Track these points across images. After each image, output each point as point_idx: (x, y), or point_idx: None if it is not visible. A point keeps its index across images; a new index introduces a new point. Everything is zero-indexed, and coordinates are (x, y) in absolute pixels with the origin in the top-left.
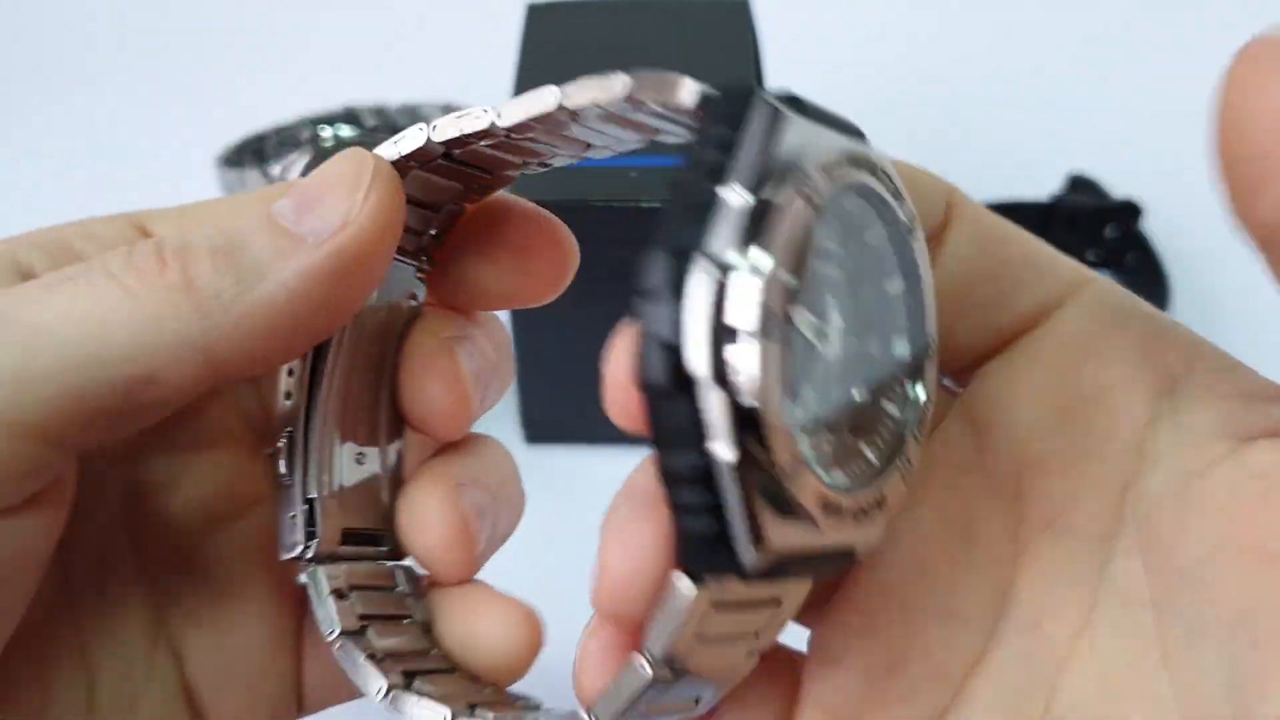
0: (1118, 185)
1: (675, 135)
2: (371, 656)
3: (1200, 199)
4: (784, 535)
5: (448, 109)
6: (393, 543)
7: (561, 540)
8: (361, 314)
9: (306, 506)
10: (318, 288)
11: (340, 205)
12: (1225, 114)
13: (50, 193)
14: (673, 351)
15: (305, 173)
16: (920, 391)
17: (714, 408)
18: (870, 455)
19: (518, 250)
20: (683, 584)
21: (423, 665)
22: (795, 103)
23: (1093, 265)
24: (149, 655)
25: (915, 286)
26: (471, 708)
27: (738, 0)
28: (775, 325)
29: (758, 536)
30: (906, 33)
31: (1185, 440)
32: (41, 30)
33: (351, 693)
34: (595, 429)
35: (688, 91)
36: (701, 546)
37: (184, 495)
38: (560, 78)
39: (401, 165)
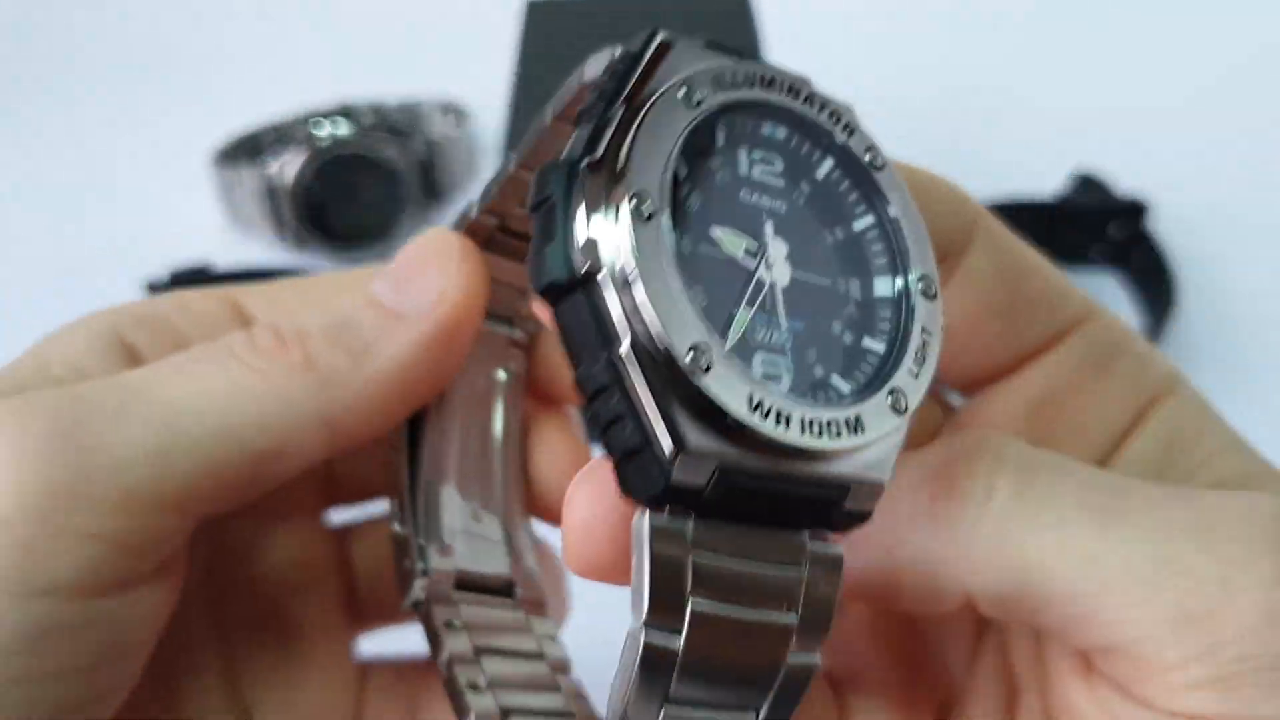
0: (1124, 184)
1: None
2: (474, 686)
3: (1207, 198)
4: (706, 438)
5: (447, 108)
6: (508, 590)
7: None
8: (455, 380)
9: (421, 556)
10: (423, 359)
11: (435, 283)
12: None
13: (48, 190)
14: (565, 252)
15: (303, 172)
16: (914, 328)
17: (606, 301)
18: (839, 384)
19: None
20: (643, 518)
21: (527, 702)
22: (715, 44)
23: (1099, 264)
24: (222, 714)
25: (888, 222)
26: None
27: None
28: (644, 229)
29: (675, 436)
30: (911, 31)
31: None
32: (39, 30)
33: None
34: None
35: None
36: (630, 461)
37: (262, 561)
38: (559, 77)
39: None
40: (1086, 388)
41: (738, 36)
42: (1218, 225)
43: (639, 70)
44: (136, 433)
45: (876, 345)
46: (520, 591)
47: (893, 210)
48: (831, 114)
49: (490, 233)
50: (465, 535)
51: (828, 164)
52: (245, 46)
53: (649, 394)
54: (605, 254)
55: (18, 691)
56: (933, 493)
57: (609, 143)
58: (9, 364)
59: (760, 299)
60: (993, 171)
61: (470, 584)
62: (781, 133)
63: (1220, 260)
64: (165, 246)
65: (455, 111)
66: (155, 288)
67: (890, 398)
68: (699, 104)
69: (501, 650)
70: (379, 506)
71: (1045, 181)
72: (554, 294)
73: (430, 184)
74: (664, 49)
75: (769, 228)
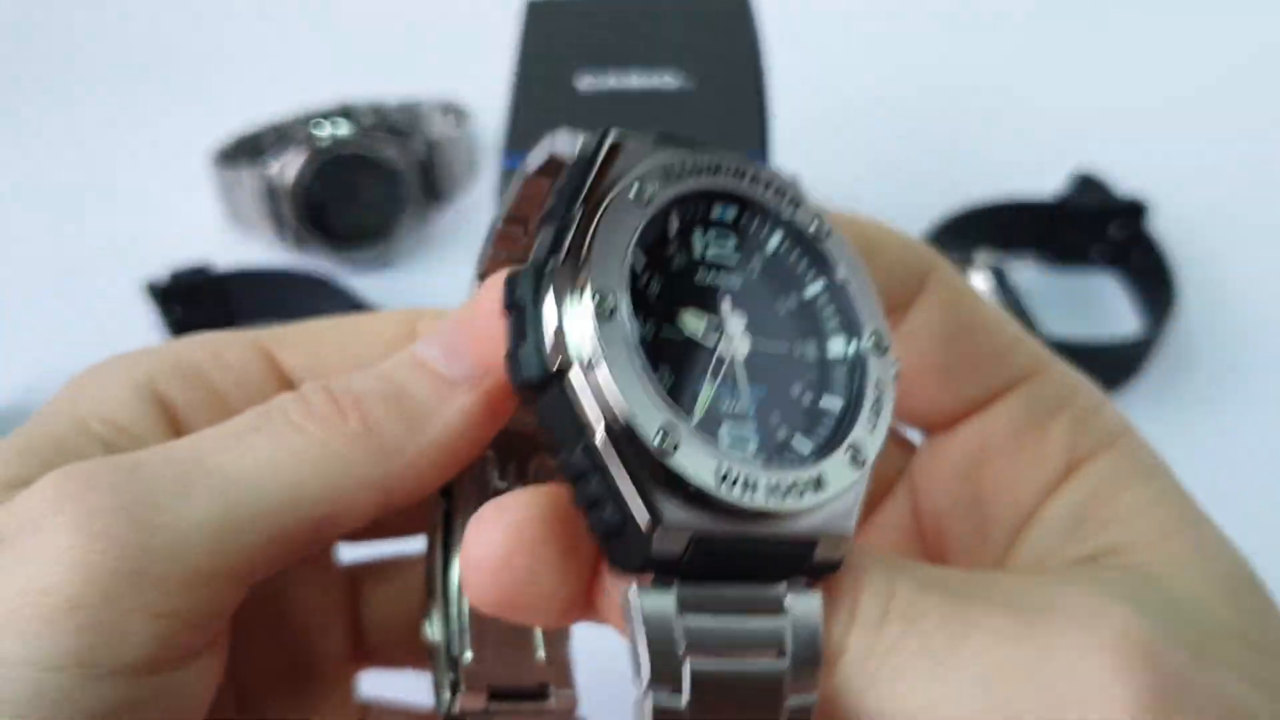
0: (1124, 184)
1: None
2: None
3: (1207, 198)
4: (681, 511)
5: (446, 108)
6: (544, 696)
7: None
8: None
9: (451, 667)
10: (474, 425)
11: (486, 349)
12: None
13: (48, 190)
14: (538, 351)
15: (303, 172)
16: (868, 384)
17: (578, 394)
18: (800, 444)
19: None
20: (630, 591)
21: None
22: (665, 137)
23: (1099, 264)
24: None
25: (837, 286)
26: None
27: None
28: (608, 323)
29: (651, 511)
30: (911, 31)
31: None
32: (39, 30)
33: None
34: None
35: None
36: (613, 539)
37: (278, 601)
38: (559, 76)
39: None
40: (1021, 445)
41: (737, 36)
42: (1218, 225)
43: (594, 171)
44: (201, 509)
45: (834, 404)
46: (553, 698)
47: (840, 274)
48: (777, 190)
49: None
50: (497, 643)
51: (777, 237)
52: (245, 46)
53: (624, 475)
54: (573, 349)
55: None
56: None
57: (570, 243)
58: (40, 416)
59: (722, 372)
60: (993, 171)
61: (503, 693)
62: (731, 213)
63: (1220, 260)
64: (165, 246)
65: (455, 111)
66: (155, 288)
67: (849, 453)
68: (650, 200)
69: None
70: (386, 546)
71: (1045, 181)
72: (531, 391)
73: (430, 184)
74: (615, 149)
75: (726, 304)
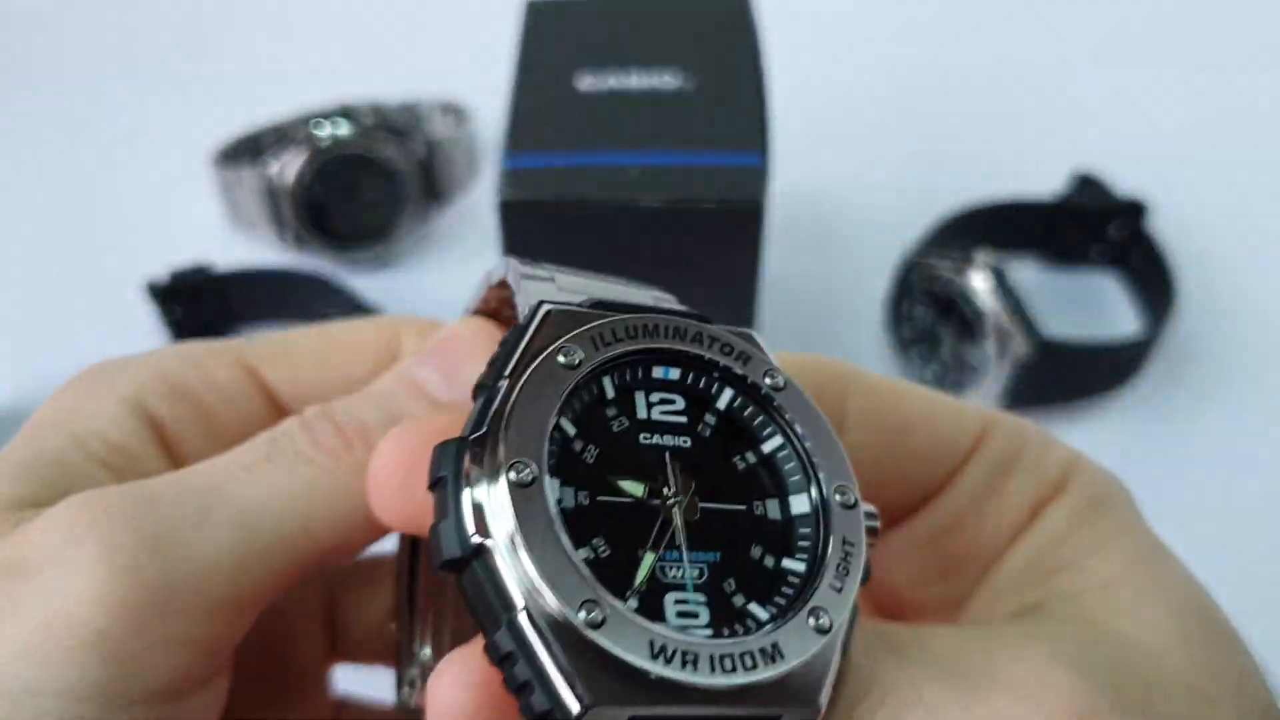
0: (1124, 184)
1: None
2: None
3: (1207, 198)
4: (613, 691)
5: (446, 107)
6: None
7: None
8: None
9: (411, 664)
10: None
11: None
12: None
13: (48, 190)
14: (457, 530)
15: (303, 172)
16: (832, 543)
17: (498, 573)
18: (757, 611)
19: None
20: None
21: None
22: (601, 304)
23: (1099, 264)
24: None
25: (796, 439)
26: None
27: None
28: (526, 498)
29: (579, 696)
30: (910, 29)
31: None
32: (38, 30)
33: None
34: None
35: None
36: None
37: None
38: (559, 76)
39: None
40: (982, 510)
41: (737, 36)
42: (1217, 225)
43: (524, 341)
44: (220, 541)
45: (797, 565)
46: None
47: (799, 427)
48: (724, 347)
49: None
50: (455, 640)
51: (728, 395)
52: (245, 46)
53: (549, 657)
54: (491, 527)
55: None
56: None
57: (491, 417)
58: (32, 430)
59: (666, 539)
60: (993, 171)
61: None
62: (675, 373)
63: (1220, 260)
64: (165, 246)
65: (455, 111)
66: (155, 288)
67: (812, 618)
68: (578, 365)
69: None
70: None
71: (1045, 181)
72: (453, 568)
73: (430, 184)
74: (547, 318)
75: (672, 466)
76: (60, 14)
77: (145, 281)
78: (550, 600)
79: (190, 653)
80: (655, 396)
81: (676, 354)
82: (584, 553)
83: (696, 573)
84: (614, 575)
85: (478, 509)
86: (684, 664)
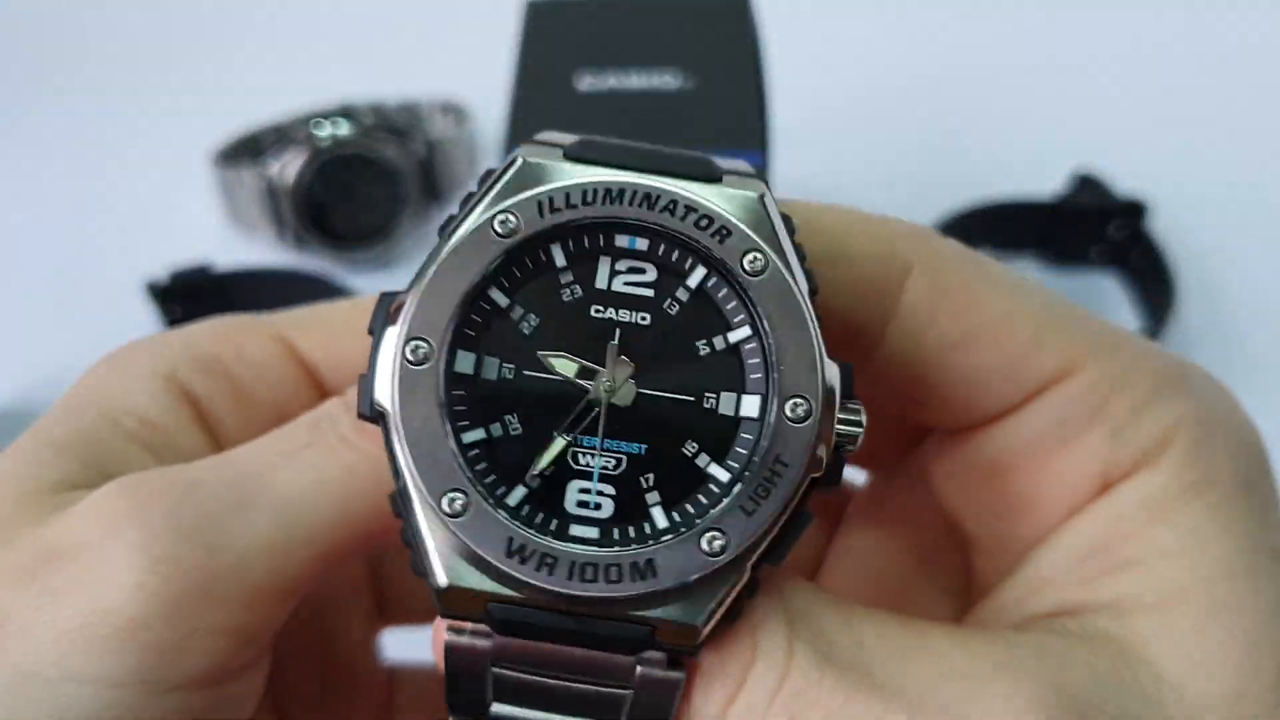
0: (1124, 184)
1: None
2: None
3: (1207, 198)
4: (475, 576)
5: (446, 107)
6: None
7: None
8: None
9: None
10: None
11: None
12: None
13: (49, 190)
14: (370, 390)
15: (303, 172)
16: (768, 460)
17: (391, 440)
18: (658, 517)
19: None
20: (438, 628)
21: None
22: (586, 144)
23: (1099, 264)
24: None
25: (766, 335)
26: None
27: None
28: (416, 371)
29: (443, 570)
30: (911, 29)
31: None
32: (39, 30)
33: None
34: None
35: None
36: (427, 584)
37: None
38: (559, 76)
39: None
40: (1044, 461)
41: (737, 36)
42: (1217, 225)
43: (478, 192)
44: (260, 529)
45: (721, 473)
46: None
47: (770, 321)
48: (701, 219)
49: None
50: None
51: (700, 272)
52: (245, 46)
53: (426, 531)
54: (379, 395)
55: None
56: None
57: (415, 277)
58: (66, 408)
59: (586, 423)
60: (993, 171)
61: None
62: (643, 243)
63: (1219, 259)
64: (165, 246)
65: (455, 111)
66: (155, 288)
67: (708, 538)
68: (512, 233)
69: None
70: None
71: (1045, 181)
72: (371, 421)
73: (430, 184)
74: (509, 167)
75: (615, 345)
76: (61, 15)
77: (145, 281)
78: (413, 485)
79: (229, 641)
80: (623, 265)
81: (642, 223)
82: (477, 434)
83: (612, 463)
84: (517, 456)
85: (376, 380)
86: (540, 566)
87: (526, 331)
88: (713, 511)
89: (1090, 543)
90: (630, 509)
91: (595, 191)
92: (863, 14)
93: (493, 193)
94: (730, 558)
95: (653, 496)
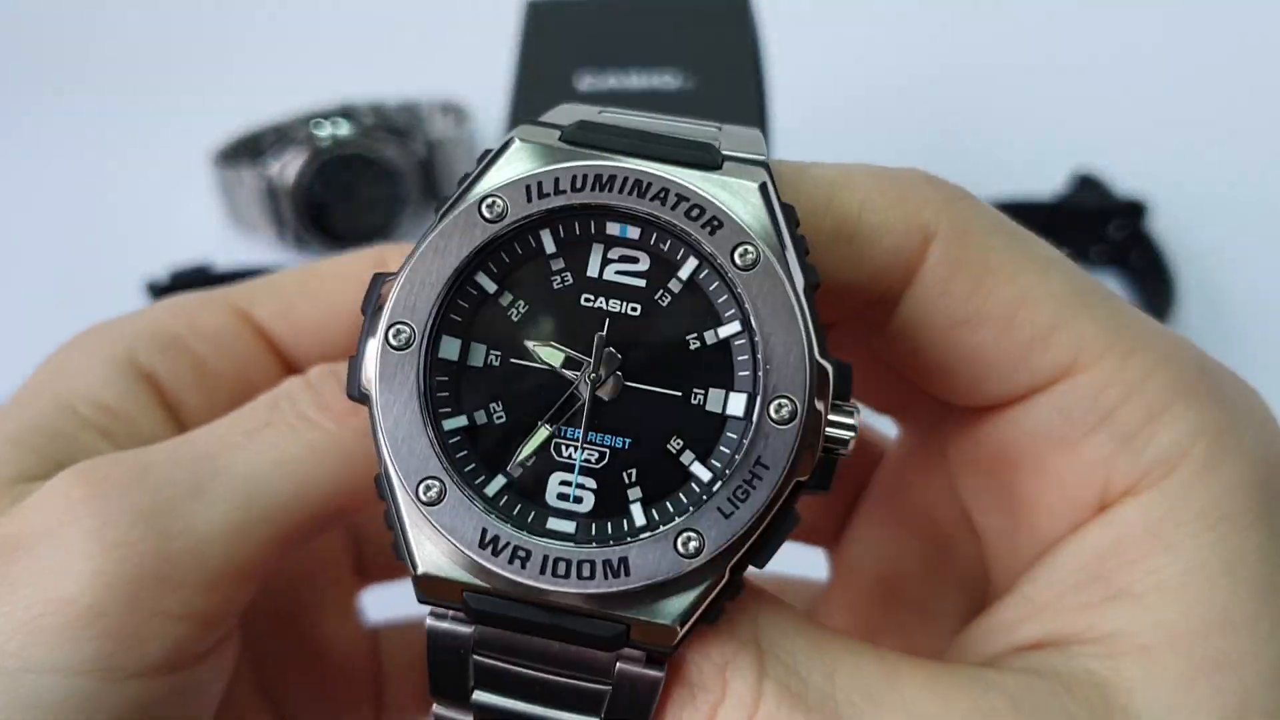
0: (1124, 183)
1: None
2: None
3: (1207, 197)
4: (450, 565)
5: (446, 107)
6: None
7: None
8: None
9: None
10: None
11: None
12: None
13: (49, 190)
14: (358, 373)
15: (303, 172)
16: (749, 462)
17: (374, 423)
18: (636, 514)
19: None
20: (428, 617)
21: None
22: (583, 126)
23: (1098, 264)
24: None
25: (755, 331)
26: None
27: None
28: (397, 355)
29: (415, 560)
30: (911, 29)
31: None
32: (39, 30)
33: None
34: None
35: None
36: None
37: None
38: (559, 76)
39: None
40: (1045, 462)
41: (737, 36)
42: (1217, 224)
43: (473, 173)
44: (216, 512)
45: (703, 473)
46: None
47: (761, 316)
48: (692, 209)
49: None
50: None
51: (692, 263)
52: (245, 46)
53: (405, 516)
54: (365, 381)
55: None
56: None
57: (407, 259)
58: (21, 399)
59: (570, 414)
60: (993, 171)
61: None
62: (635, 232)
63: (1219, 259)
64: (165, 246)
65: (455, 111)
66: (155, 287)
67: (683, 539)
68: (500, 217)
69: None
70: None
71: (1045, 181)
72: (359, 403)
73: (430, 184)
74: (504, 148)
75: (603, 336)
76: (61, 15)
77: (145, 281)
78: (392, 470)
79: (189, 626)
80: (615, 253)
81: (633, 212)
82: (459, 420)
83: (595, 456)
84: (500, 445)
85: (363, 362)
86: (512, 559)
87: (515, 318)
88: (691, 512)
89: (1090, 564)
90: (610, 504)
91: (585, 177)
92: (863, 14)
93: (487, 174)
94: (704, 561)
95: (634, 492)
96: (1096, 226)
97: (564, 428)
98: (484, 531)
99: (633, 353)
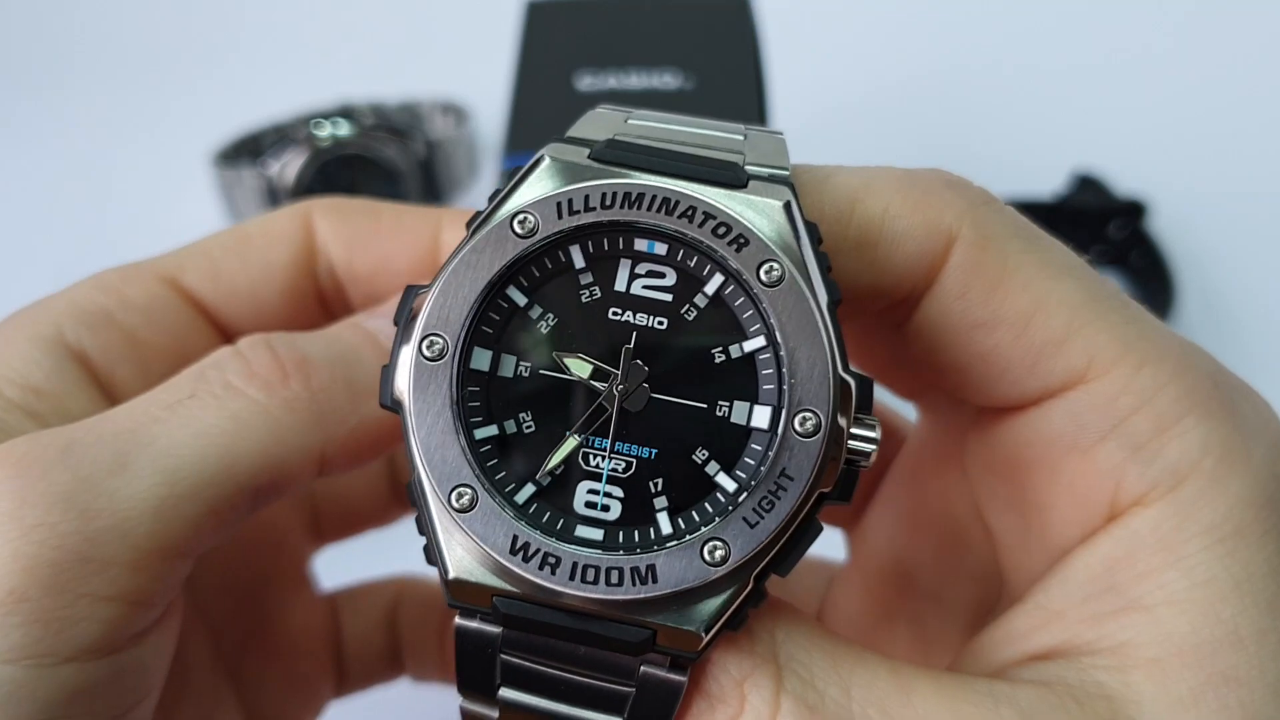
0: (1124, 183)
1: None
2: None
3: (1206, 197)
4: (480, 571)
5: (446, 107)
6: None
7: None
8: None
9: None
10: None
11: None
12: None
13: (49, 190)
14: (391, 380)
15: (304, 172)
16: (774, 474)
17: (406, 430)
18: (664, 523)
19: None
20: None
21: None
22: (613, 145)
23: (1098, 264)
24: (214, 687)
25: (780, 346)
26: None
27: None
28: (431, 365)
29: (447, 565)
30: (911, 30)
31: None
32: (39, 30)
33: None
34: None
35: None
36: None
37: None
38: (559, 76)
39: None
40: (1057, 469)
41: (737, 36)
42: (1217, 225)
43: (504, 190)
44: (139, 487)
45: (728, 483)
46: None
47: (784, 333)
48: (719, 227)
49: None
50: None
51: (718, 279)
52: (245, 46)
53: (438, 523)
54: (398, 390)
55: None
56: None
57: (439, 272)
58: None
59: (598, 424)
60: (993, 171)
61: None
62: (662, 248)
63: (1219, 259)
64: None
65: (455, 111)
66: None
67: (709, 548)
68: (531, 233)
69: None
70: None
71: (1045, 181)
72: (391, 411)
73: (430, 184)
74: (535, 165)
75: (630, 349)
76: (61, 15)
77: None
78: (424, 477)
79: (119, 606)
80: (643, 268)
81: (660, 229)
82: (490, 430)
83: (622, 465)
84: (529, 453)
85: (395, 371)
86: (542, 565)
87: (544, 331)
88: (717, 521)
89: (1102, 575)
90: (637, 512)
91: (615, 195)
92: (863, 14)
93: (518, 191)
94: (730, 569)
95: (660, 501)
96: (1096, 226)
97: (592, 438)
98: (515, 538)
99: (659, 365)
